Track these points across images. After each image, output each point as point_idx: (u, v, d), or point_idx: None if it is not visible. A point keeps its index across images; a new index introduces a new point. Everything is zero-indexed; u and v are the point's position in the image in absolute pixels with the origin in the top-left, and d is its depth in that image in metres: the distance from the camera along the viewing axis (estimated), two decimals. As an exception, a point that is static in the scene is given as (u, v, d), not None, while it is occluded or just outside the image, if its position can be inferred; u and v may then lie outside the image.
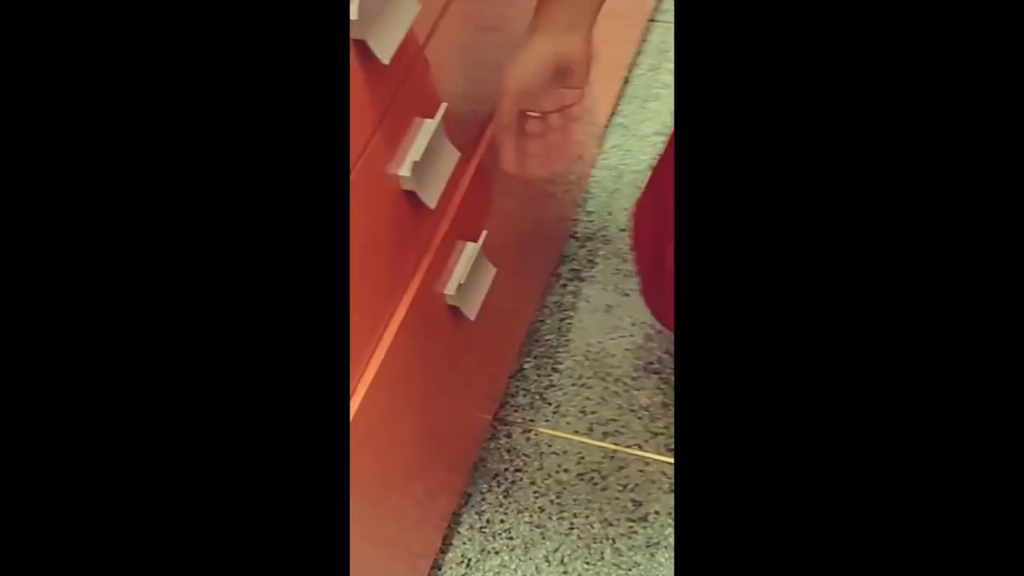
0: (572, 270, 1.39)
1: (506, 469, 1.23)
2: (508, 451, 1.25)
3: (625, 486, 1.19)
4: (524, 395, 1.29)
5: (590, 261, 1.39)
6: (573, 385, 1.29)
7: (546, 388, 1.29)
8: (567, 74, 0.77)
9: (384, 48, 0.74)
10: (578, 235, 1.42)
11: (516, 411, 1.28)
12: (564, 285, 1.38)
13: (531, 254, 1.23)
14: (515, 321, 1.23)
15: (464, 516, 1.20)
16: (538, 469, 1.23)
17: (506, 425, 1.27)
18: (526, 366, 1.31)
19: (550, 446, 1.24)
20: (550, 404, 1.28)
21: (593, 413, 1.26)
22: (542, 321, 1.35)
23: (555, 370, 1.30)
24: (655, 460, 1.21)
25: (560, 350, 1.32)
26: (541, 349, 1.33)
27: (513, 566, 1.16)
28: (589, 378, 1.29)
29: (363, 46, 0.73)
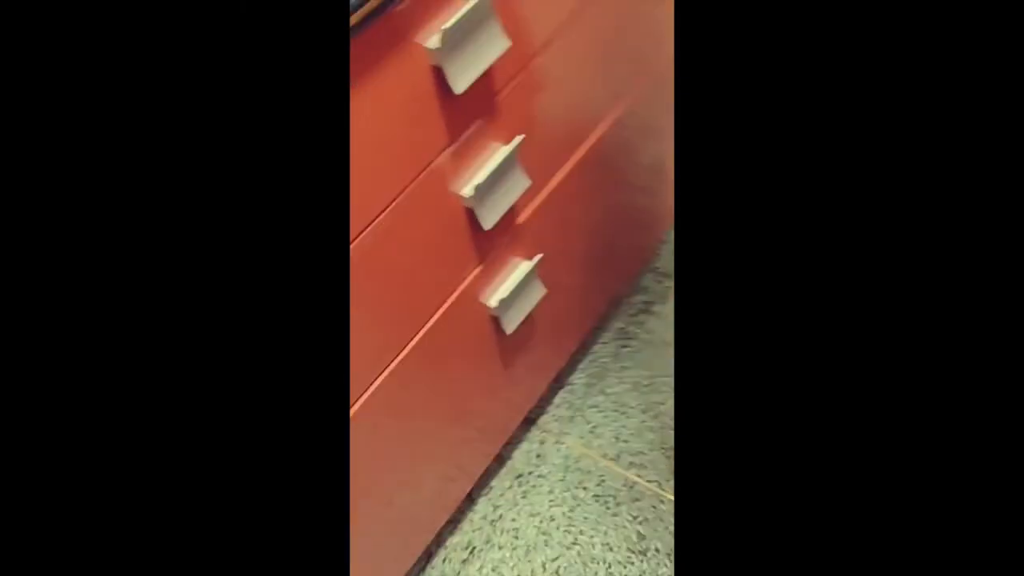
0: (645, 301, 1.40)
1: (530, 473, 1.27)
2: (537, 456, 1.28)
3: (635, 517, 1.21)
4: (567, 408, 1.32)
5: (663, 297, 1.40)
6: (615, 411, 1.31)
7: (589, 407, 1.32)
8: None
9: (459, 78, 0.77)
10: (659, 269, 1.43)
11: (556, 421, 1.31)
12: (633, 315, 1.39)
13: (596, 280, 1.25)
14: (564, 338, 1.25)
15: (479, 505, 1.25)
16: (559, 480, 1.25)
17: (542, 431, 1.30)
18: (576, 381, 1.34)
19: (577, 462, 1.27)
20: (589, 423, 1.30)
21: (625, 442, 1.28)
22: (603, 343, 1.37)
23: (603, 392, 1.32)
24: (670, 500, 1.22)
25: (612, 375, 1.34)
26: (595, 369, 1.35)
27: (512, 564, 1.20)
28: (631, 408, 1.30)
29: (439, 73, 0.77)
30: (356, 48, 0.69)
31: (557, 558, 1.19)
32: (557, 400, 1.33)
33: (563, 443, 1.29)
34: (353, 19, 0.66)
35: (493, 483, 1.27)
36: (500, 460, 1.28)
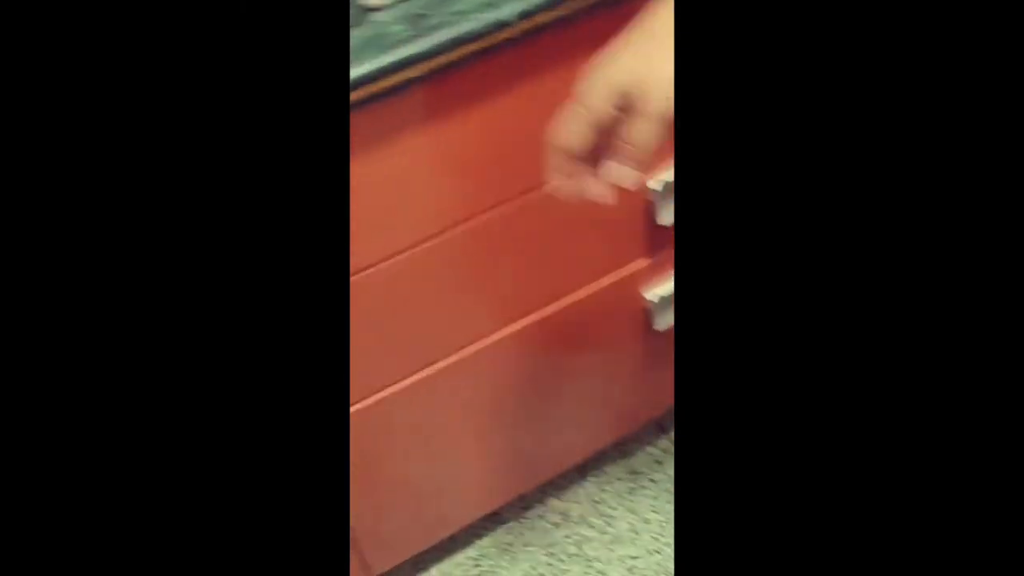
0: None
1: (644, 474, 1.26)
2: (657, 462, 1.27)
3: (723, 554, 1.18)
4: (703, 431, 1.29)
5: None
6: (746, 451, 1.27)
7: (723, 438, 1.29)
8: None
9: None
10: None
11: (687, 439, 1.29)
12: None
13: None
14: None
15: (588, 483, 1.26)
16: (666, 491, 1.24)
17: (670, 442, 1.29)
18: (720, 411, 1.31)
19: (691, 482, 1.25)
20: (717, 452, 1.27)
21: (743, 482, 1.24)
22: (761, 387, 1.33)
23: (741, 430, 1.29)
24: (763, 553, 1.18)
25: (757, 418, 1.30)
26: (743, 407, 1.31)
27: (594, 545, 1.20)
28: (762, 455, 1.26)
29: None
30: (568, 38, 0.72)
31: (637, 558, 1.18)
32: (696, 421, 1.31)
33: (685, 461, 1.27)
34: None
35: (608, 469, 1.27)
36: (623, 452, 1.28)
